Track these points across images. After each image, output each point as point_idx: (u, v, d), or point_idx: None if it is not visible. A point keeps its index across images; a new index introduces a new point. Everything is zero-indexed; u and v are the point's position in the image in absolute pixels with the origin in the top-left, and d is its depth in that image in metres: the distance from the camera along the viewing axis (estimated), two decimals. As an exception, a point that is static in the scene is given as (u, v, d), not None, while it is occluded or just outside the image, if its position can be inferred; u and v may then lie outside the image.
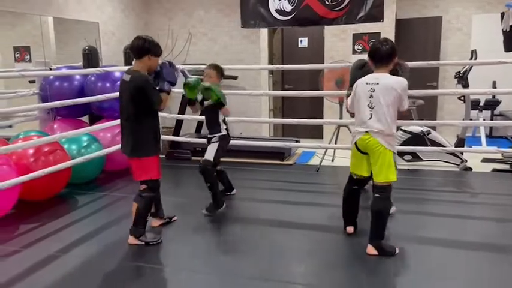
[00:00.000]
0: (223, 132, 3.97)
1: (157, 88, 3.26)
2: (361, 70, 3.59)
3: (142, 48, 3.20)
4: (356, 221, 3.39)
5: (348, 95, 3.38)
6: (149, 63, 3.24)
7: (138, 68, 3.23)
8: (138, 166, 3.27)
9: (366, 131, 2.99)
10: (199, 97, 3.95)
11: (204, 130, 6.60)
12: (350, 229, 3.40)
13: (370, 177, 3.15)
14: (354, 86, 3.14)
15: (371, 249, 3.02)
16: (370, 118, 2.97)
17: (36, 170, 4.00)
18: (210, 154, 3.91)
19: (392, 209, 3.85)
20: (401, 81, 2.99)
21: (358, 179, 3.25)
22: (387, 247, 3.03)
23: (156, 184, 3.36)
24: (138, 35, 3.32)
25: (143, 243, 3.28)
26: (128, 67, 3.47)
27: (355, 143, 3.09)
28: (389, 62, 3.01)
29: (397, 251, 3.02)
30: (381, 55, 2.99)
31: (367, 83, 3.01)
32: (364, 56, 4.45)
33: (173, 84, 3.36)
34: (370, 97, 2.97)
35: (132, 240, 3.30)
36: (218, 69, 4.02)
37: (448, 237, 3.31)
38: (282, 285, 2.74)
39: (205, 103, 3.96)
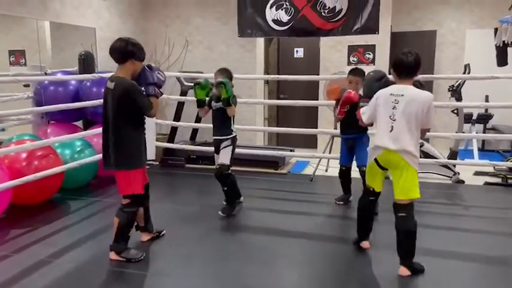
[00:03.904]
0: (234, 133, 4.03)
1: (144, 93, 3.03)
2: (379, 82, 3.34)
3: (125, 51, 2.94)
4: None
5: (361, 107, 3.25)
6: (132, 68, 2.98)
7: (122, 74, 2.98)
8: (125, 179, 3.05)
9: (387, 147, 2.84)
10: (208, 98, 3.97)
11: (201, 136, 6.63)
12: (366, 244, 3.24)
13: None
14: (375, 97, 2.98)
15: (404, 270, 2.86)
16: (392, 131, 2.82)
17: (29, 174, 3.97)
18: (225, 158, 3.96)
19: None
20: (428, 95, 2.85)
21: (375, 191, 3.11)
22: (417, 265, 2.90)
23: (140, 198, 3.15)
24: (120, 37, 3.02)
25: (124, 259, 3.08)
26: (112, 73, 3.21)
27: (375, 158, 2.95)
28: (415, 74, 2.90)
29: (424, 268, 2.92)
30: (407, 67, 2.86)
31: (391, 94, 2.87)
32: (358, 67, 4.50)
33: (158, 85, 3.07)
34: (393, 108, 2.82)
35: (113, 255, 3.11)
36: (229, 74, 4.05)
37: (440, 249, 3.32)
38: (274, 295, 2.74)
39: (214, 105, 3.96)
